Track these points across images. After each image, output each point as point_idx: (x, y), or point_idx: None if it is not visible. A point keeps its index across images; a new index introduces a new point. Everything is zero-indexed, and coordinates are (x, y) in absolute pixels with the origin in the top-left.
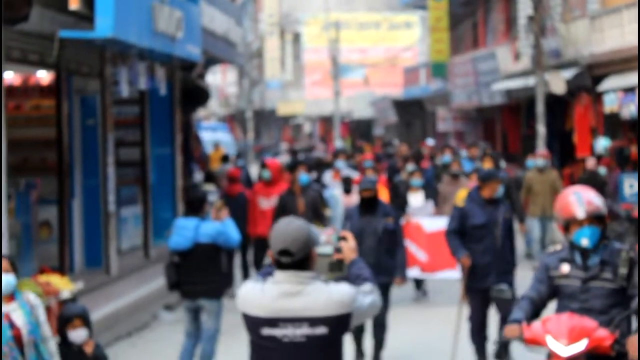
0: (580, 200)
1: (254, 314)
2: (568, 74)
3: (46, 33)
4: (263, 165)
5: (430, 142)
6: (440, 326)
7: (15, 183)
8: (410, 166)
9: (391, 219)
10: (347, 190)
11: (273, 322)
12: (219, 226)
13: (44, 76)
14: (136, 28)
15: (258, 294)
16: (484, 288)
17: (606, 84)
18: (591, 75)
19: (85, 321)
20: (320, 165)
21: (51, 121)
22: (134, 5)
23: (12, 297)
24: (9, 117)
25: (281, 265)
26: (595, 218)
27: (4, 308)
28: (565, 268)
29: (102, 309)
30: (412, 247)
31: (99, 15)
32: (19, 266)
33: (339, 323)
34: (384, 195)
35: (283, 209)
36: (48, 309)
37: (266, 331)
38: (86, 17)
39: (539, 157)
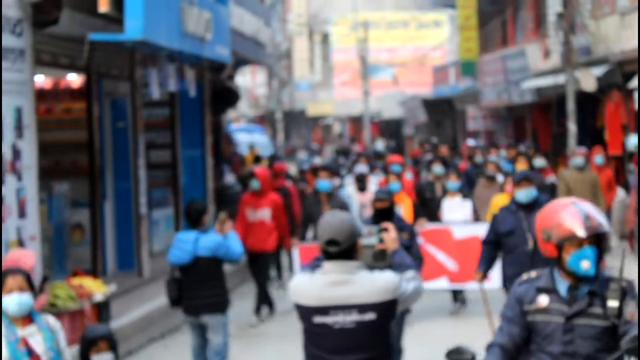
0: (583, 213)
1: (306, 303)
2: (598, 71)
3: (76, 36)
4: (251, 175)
5: (471, 142)
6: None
7: (47, 186)
8: (437, 168)
9: (406, 234)
10: (362, 188)
11: (324, 310)
12: (219, 239)
13: (74, 79)
14: (165, 30)
15: (308, 284)
16: None
17: (637, 81)
18: (622, 72)
19: (111, 344)
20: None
21: (82, 124)
22: (163, 7)
23: (29, 319)
24: (40, 121)
25: (329, 256)
26: (593, 237)
27: (20, 332)
28: (544, 300)
29: (135, 311)
30: (439, 256)
31: (129, 17)
32: (53, 269)
33: (386, 309)
34: (406, 204)
35: (309, 217)
36: (81, 312)
37: (318, 319)
38: (116, 19)
39: (578, 156)
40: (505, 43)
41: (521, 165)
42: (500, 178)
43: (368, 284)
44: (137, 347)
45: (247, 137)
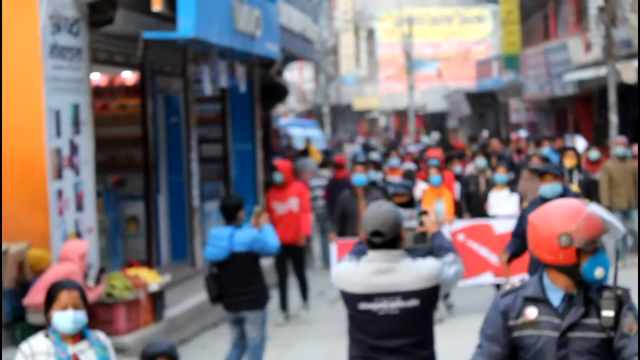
0: (602, 216)
1: (351, 290)
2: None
3: (130, 34)
4: (273, 168)
5: (522, 133)
6: None
7: (103, 180)
8: (480, 161)
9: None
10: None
11: (369, 297)
12: (254, 233)
13: (129, 76)
14: (217, 28)
15: (353, 272)
16: None
17: None
18: None
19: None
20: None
21: (136, 120)
22: (214, 5)
23: (80, 335)
24: (96, 117)
25: (374, 245)
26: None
27: (71, 349)
28: (532, 312)
29: (189, 301)
30: (482, 251)
31: (181, 16)
32: (109, 261)
33: (429, 295)
34: (447, 198)
35: (344, 213)
36: (137, 302)
37: (363, 305)
38: (169, 18)
39: (619, 145)
40: (547, 37)
41: (569, 161)
42: None
43: (412, 272)
44: (190, 336)
45: (302, 131)
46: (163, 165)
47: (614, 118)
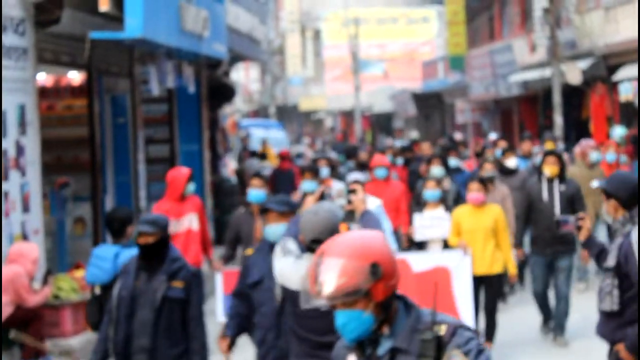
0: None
1: (294, 287)
2: (584, 64)
3: (77, 34)
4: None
5: (493, 136)
6: None
7: (49, 181)
8: (436, 169)
9: (180, 282)
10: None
11: None
12: None
13: (75, 77)
14: (164, 28)
15: (294, 269)
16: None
17: (621, 74)
18: (606, 65)
19: None
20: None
21: (83, 120)
22: (161, 5)
23: None
24: (42, 117)
25: (313, 250)
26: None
27: None
28: None
29: None
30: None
31: (128, 16)
32: (55, 262)
33: None
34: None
35: (237, 235)
36: (84, 304)
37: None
38: (116, 18)
39: (592, 150)
40: (493, 38)
41: (550, 168)
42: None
43: None
44: None
45: (262, 132)
46: (110, 166)
47: (558, 119)
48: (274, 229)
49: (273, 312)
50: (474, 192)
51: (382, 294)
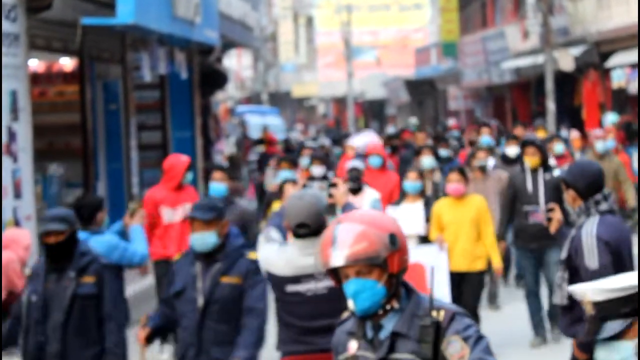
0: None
1: (278, 273)
2: (576, 51)
3: (69, 21)
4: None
5: (492, 122)
6: None
7: (41, 167)
8: (426, 160)
9: (91, 277)
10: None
11: (296, 279)
12: (112, 240)
13: (67, 63)
14: (156, 14)
15: (279, 255)
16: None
17: (613, 61)
18: (599, 52)
19: None
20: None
21: (75, 107)
22: None
23: None
24: (34, 104)
25: (299, 236)
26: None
27: None
28: (353, 347)
29: (128, 288)
30: None
31: (120, 2)
32: None
33: None
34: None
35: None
36: None
37: (290, 288)
38: (107, 4)
39: (600, 139)
40: (485, 25)
41: (531, 159)
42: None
43: None
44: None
45: (260, 119)
46: (102, 153)
47: (551, 105)
48: (199, 237)
49: (194, 326)
50: (453, 182)
51: (397, 266)
